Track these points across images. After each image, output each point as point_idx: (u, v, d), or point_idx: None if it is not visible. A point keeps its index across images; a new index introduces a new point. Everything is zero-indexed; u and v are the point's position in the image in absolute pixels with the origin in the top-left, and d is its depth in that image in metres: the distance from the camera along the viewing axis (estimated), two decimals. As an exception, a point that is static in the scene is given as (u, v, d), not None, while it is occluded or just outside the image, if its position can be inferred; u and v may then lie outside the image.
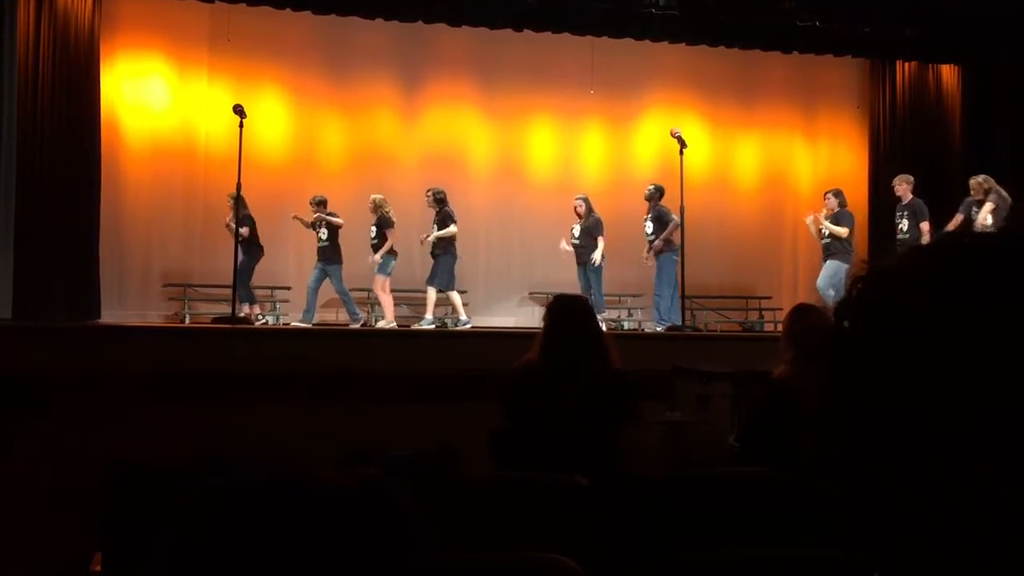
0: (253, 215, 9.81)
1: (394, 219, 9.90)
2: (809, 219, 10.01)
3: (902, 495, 0.61)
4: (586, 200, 10.20)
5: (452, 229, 9.83)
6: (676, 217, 9.71)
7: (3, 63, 9.03)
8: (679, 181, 9.47)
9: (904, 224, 9.36)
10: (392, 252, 9.90)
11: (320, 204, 10.07)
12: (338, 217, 10.01)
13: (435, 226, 9.90)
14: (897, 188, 9.60)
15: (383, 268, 9.83)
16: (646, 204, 10.11)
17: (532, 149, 12.07)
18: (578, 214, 10.20)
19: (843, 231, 9.54)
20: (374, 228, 9.90)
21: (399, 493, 0.79)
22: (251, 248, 9.83)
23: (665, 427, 6.14)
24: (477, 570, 1.75)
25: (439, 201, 9.94)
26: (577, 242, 10.10)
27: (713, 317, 11.41)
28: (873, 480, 0.63)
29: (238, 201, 9.10)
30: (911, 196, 9.48)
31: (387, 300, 9.78)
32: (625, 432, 3.82)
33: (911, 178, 9.61)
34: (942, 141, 11.73)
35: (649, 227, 9.92)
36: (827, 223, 9.65)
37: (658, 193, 10.04)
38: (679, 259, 9.63)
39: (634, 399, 3.85)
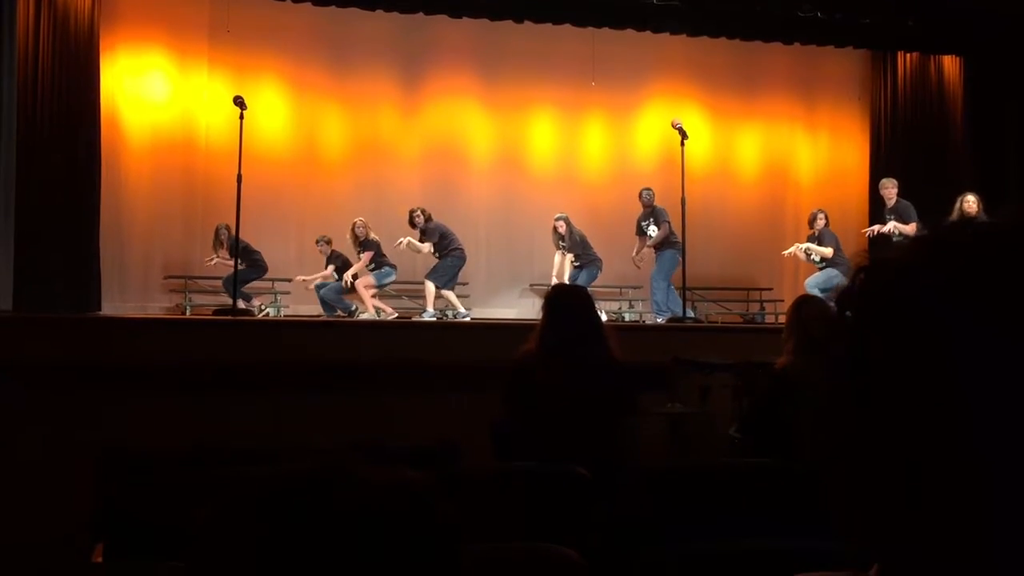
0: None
1: (376, 239, 9.99)
2: (787, 252, 10.25)
3: (903, 487, 0.61)
4: (566, 219, 10.27)
5: (424, 247, 9.93)
6: (667, 217, 9.91)
7: (3, 57, 9.02)
8: (680, 172, 9.46)
9: (891, 226, 9.43)
10: (392, 266, 9.96)
11: (327, 243, 10.18)
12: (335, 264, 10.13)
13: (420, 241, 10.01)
14: (883, 191, 9.67)
15: (379, 278, 9.89)
16: (644, 208, 10.20)
17: (533, 141, 12.06)
18: (560, 235, 10.28)
19: (828, 251, 9.78)
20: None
21: (439, 499, 0.80)
22: (257, 268, 9.92)
23: (666, 418, 6.14)
24: (479, 561, 1.75)
25: (423, 224, 10.03)
26: (578, 264, 10.20)
27: (714, 308, 11.41)
28: (874, 471, 0.63)
29: (236, 242, 9.08)
30: (896, 198, 9.54)
31: (367, 299, 9.83)
32: (624, 422, 3.82)
33: (895, 181, 9.68)
34: (943, 133, 11.71)
35: (653, 230, 9.99)
36: (811, 245, 9.91)
37: (654, 195, 10.17)
38: (681, 256, 9.65)
39: (632, 389, 3.86)
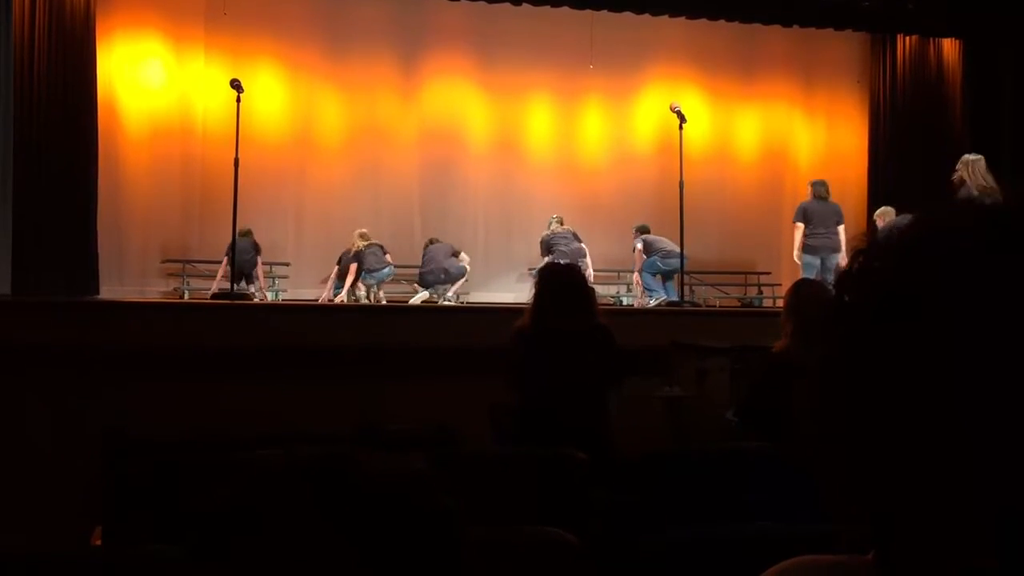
0: (251, 206, 9.94)
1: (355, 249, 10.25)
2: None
3: (899, 468, 0.61)
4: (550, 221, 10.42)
5: None
6: (638, 245, 10.29)
7: (-1, 43, 9.00)
8: (678, 156, 9.45)
9: None
10: (371, 270, 10.15)
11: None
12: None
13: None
14: (879, 222, 9.49)
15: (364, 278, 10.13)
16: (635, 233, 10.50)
17: (531, 124, 12.03)
18: None
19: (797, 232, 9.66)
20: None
21: (441, 486, 0.81)
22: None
23: (663, 402, 6.15)
24: (477, 544, 1.75)
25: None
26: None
27: (712, 292, 11.42)
28: (870, 452, 0.63)
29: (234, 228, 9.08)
30: None
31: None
32: (613, 389, 3.89)
33: (892, 210, 9.49)
34: (942, 116, 11.68)
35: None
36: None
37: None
38: (665, 267, 9.93)
39: (620, 355, 3.92)
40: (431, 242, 10.53)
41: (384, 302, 9.71)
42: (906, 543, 0.63)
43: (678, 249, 9.70)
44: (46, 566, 1.72)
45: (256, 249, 10.06)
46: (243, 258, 9.59)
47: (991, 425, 0.58)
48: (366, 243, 10.19)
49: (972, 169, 8.26)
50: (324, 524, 0.75)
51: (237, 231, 8.86)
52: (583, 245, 10.32)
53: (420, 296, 10.24)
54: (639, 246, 10.31)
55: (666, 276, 10.11)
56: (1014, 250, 0.60)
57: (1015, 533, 0.58)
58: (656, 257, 10.16)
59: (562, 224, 10.43)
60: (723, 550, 1.90)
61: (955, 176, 8.24)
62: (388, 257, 10.31)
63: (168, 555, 1.61)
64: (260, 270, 10.18)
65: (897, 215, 9.35)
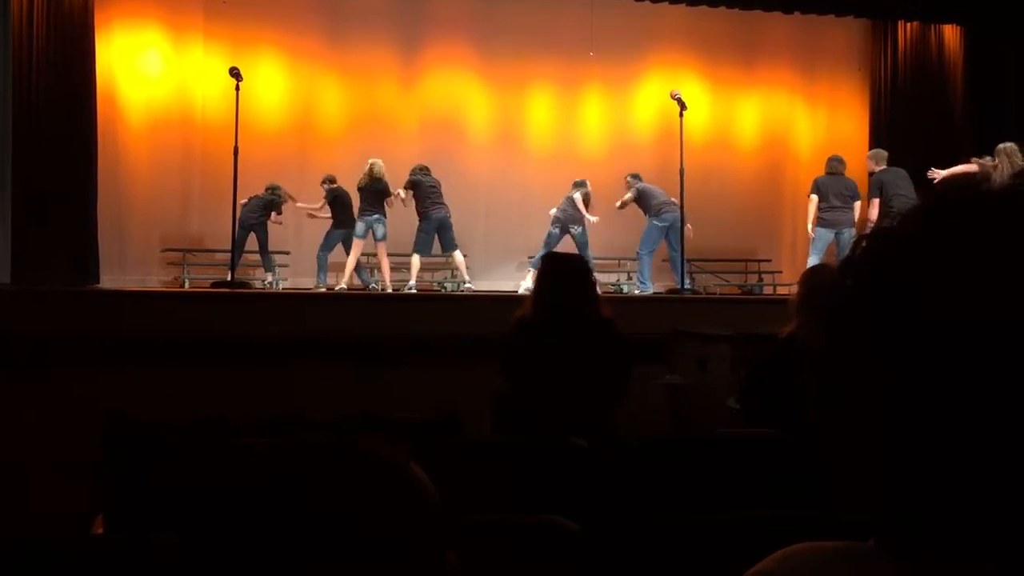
0: (251, 194, 9.97)
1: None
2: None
3: (899, 455, 0.61)
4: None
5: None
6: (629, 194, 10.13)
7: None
8: (679, 143, 9.43)
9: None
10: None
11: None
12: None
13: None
14: (870, 164, 9.62)
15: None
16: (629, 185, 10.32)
17: (531, 112, 12.01)
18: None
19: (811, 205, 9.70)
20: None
21: (424, 472, 0.81)
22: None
23: (664, 390, 6.16)
24: (477, 532, 1.75)
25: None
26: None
27: (712, 280, 11.42)
28: (871, 440, 0.62)
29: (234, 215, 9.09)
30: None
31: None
32: (620, 378, 3.89)
33: (885, 153, 9.56)
34: (944, 103, 11.66)
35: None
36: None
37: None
38: (661, 224, 9.77)
39: (626, 345, 3.91)
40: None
41: (389, 289, 9.65)
42: (904, 533, 0.62)
43: (674, 200, 9.63)
44: (47, 555, 1.73)
45: (264, 208, 9.91)
46: (249, 214, 9.53)
47: (987, 415, 0.57)
48: (367, 180, 9.66)
49: (1009, 155, 8.32)
50: (316, 510, 0.75)
51: (265, 187, 9.07)
52: (578, 212, 10.08)
53: (415, 265, 9.82)
54: (630, 195, 10.05)
55: (670, 235, 9.77)
56: (1011, 232, 0.60)
57: (1013, 529, 0.58)
58: (653, 220, 9.89)
59: (578, 187, 10.14)
60: (724, 536, 1.90)
61: (992, 164, 8.29)
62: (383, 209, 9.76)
63: (167, 543, 1.61)
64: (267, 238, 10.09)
65: (888, 164, 9.44)
